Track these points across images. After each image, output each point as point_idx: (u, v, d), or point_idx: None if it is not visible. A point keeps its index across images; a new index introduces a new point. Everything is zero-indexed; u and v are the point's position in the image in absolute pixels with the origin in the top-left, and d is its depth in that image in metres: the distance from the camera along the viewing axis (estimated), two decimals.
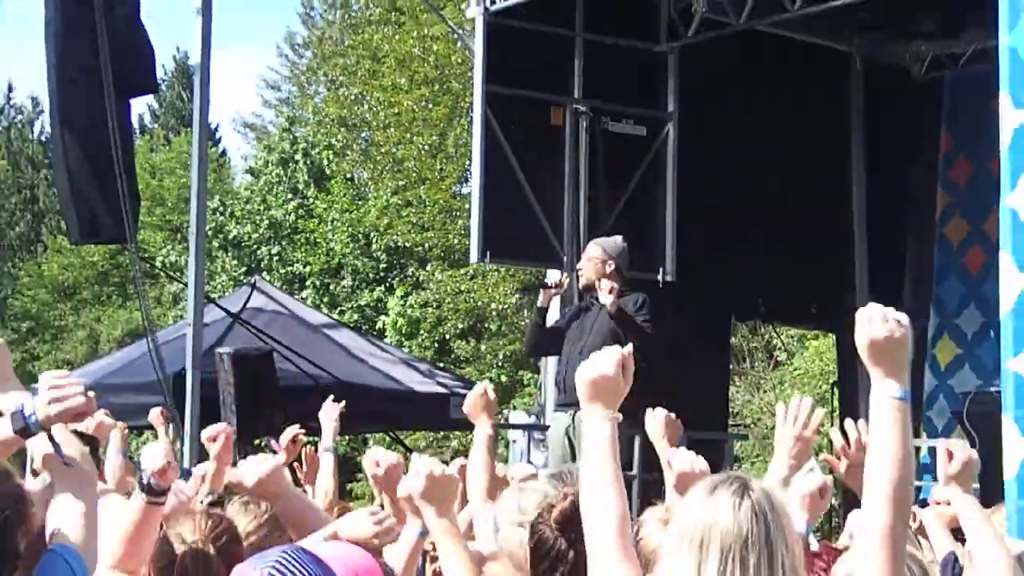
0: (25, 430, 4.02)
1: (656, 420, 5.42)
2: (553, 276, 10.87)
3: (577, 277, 10.65)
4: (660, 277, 14.20)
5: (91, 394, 4.25)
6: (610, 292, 9.88)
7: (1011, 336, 5.58)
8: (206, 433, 5.99)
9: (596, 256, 10.40)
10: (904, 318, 3.22)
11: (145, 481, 4.22)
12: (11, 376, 4.36)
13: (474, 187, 14.12)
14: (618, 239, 10.69)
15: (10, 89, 39.50)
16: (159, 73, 13.33)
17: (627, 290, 10.47)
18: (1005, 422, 5.60)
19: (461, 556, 4.08)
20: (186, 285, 13.92)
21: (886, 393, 3.16)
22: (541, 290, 10.94)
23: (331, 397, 7.97)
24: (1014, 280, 5.54)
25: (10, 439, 4.02)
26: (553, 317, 11.57)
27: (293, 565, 2.81)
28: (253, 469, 4.25)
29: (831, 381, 20.31)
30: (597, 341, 9.56)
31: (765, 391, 29.13)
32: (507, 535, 3.95)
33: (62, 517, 3.83)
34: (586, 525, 3.28)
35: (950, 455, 4.94)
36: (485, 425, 5.58)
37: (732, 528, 2.81)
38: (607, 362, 3.36)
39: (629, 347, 3.42)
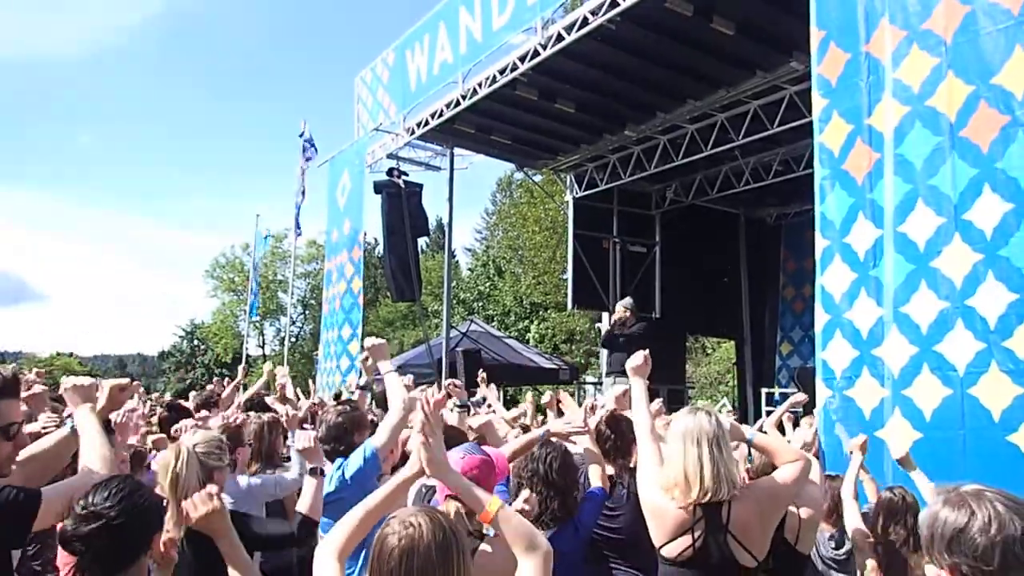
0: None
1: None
2: (620, 311, 10.61)
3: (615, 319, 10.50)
4: (653, 315, 14.07)
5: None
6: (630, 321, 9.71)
7: (820, 342, 5.46)
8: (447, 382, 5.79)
9: (620, 309, 10.30)
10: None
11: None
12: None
13: (569, 275, 13.95)
14: (628, 299, 10.57)
15: (364, 235, 40.40)
16: (430, 225, 13.61)
17: (636, 317, 10.37)
18: (818, 381, 5.48)
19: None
20: (441, 319, 14.09)
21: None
22: (611, 318, 10.65)
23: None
24: (822, 316, 5.42)
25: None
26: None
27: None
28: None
29: (733, 362, 19.92)
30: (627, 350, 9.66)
31: (701, 366, 28.61)
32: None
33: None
34: (635, 426, 3.24)
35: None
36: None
37: (709, 429, 2.74)
38: (638, 359, 3.41)
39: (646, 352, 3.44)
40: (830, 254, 5.36)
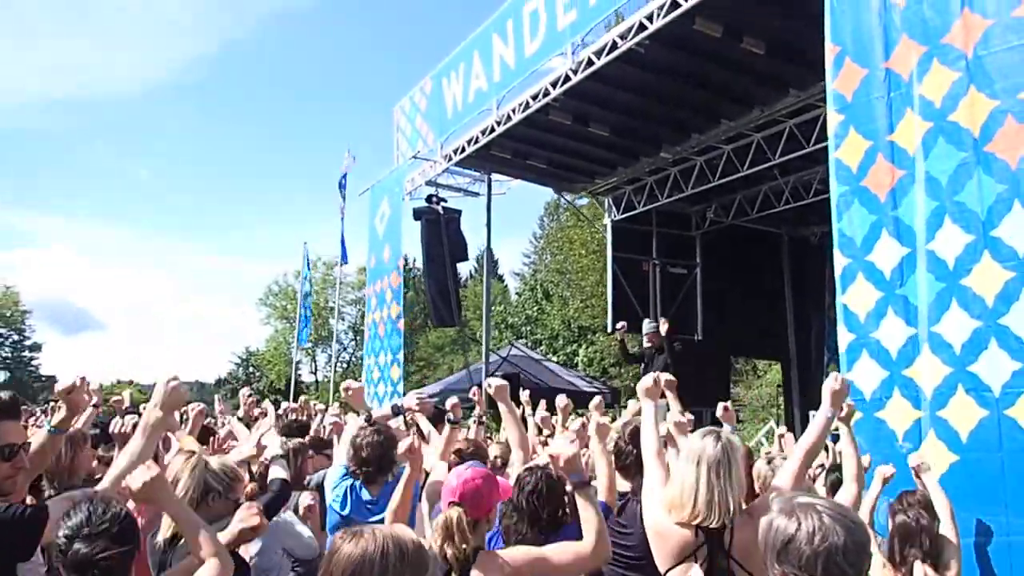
0: (396, 411, 4.12)
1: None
2: (648, 326, 10.62)
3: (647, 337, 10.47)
4: (695, 337, 13.94)
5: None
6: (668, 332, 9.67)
7: (845, 362, 5.34)
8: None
9: (650, 330, 10.27)
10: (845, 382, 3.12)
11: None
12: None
13: (609, 299, 13.99)
14: (647, 322, 10.61)
15: (404, 260, 40.66)
16: (470, 252, 13.77)
17: (659, 338, 10.33)
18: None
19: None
20: (482, 344, 14.15)
21: (825, 414, 3.00)
22: (645, 336, 10.66)
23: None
24: (845, 336, 5.34)
25: (385, 414, 4.03)
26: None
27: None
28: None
29: (777, 385, 19.52)
30: (657, 368, 9.47)
31: (752, 389, 28.01)
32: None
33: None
34: (643, 448, 3.17)
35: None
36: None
37: (712, 453, 2.70)
38: (648, 381, 3.38)
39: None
40: (852, 272, 5.27)
